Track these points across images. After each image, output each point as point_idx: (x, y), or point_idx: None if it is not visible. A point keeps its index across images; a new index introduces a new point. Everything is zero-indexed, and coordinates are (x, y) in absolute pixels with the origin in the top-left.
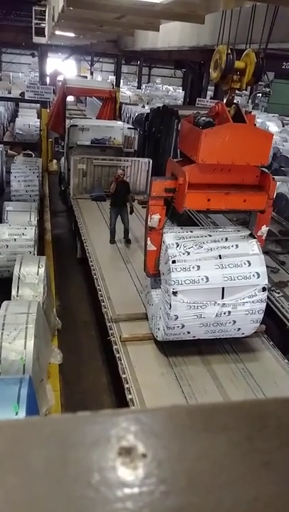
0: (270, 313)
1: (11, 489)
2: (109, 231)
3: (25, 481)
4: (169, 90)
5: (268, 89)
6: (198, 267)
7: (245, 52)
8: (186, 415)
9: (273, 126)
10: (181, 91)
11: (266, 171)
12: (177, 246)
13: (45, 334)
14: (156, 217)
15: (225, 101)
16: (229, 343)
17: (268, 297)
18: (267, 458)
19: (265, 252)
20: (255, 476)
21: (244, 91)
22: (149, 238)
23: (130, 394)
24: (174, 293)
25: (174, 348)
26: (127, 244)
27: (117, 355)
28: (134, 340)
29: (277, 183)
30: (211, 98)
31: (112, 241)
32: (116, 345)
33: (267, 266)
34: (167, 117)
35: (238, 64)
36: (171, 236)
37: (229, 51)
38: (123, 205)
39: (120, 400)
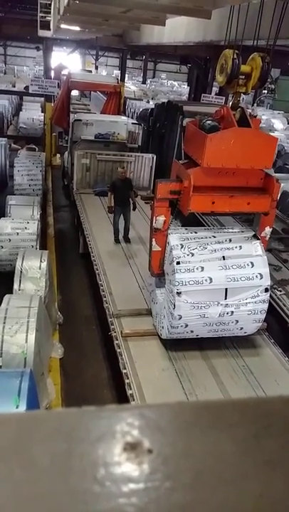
0: (272, 311)
1: (18, 484)
2: (113, 230)
3: (31, 476)
4: (174, 86)
5: (272, 86)
6: (202, 268)
7: (251, 56)
8: (192, 412)
9: (278, 124)
10: (186, 86)
11: (270, 174)
12: (182, 247)
13: (46, 328)
14: (161, 218)
15: (230, 104)
16: (230, 340)
17: (270, 295)
18: (272, 456)
19: (268, 250)
20: (260, 474)
21: None
22: (154, 239)
23: (130, 389)
24: (178, 293)
25: (174, 344)
26: (127, 243)
27: (118, 351)
28: (135, 335)
29: (282, 184)
30: (216, 94)
31: (117, 240)
32: (117, 340)
33: (269, 264)
34: (172, 113)
35: (244, 68)
36: (175, 237)
37: (235, 56)
38: (126, 203)
39: (120, 395)
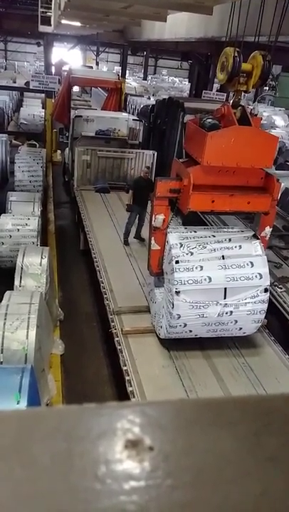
0: (272, 309)
1: (18, 482)
2: (125, 231)
3: (32, 474)
4: (175, 82)
5: (273, 83)
6: (202, 267)
7: (252, 54)
8: (193, 409)
9: (280, 121)
10: (187, 83)
11: (271, 173)
12: (181, 246)
13: (47, 325)
14: (160, 217)
15: (231, 103)
16: (230, 338)
17: (271, 292)
18: (273, 453)
19: (269, 247)
20: (261, 472)
21: None
22: (153, 238)
23: (131, 386)
24: (177, 292)
25: (175, 342)
26: (140, 242)
27: (119, 348)
28: (136, 333)
29: (282, 184)
30: (217, 90)
31: (126, 242)
32: (117, 337)
33: (270, 261)
34: (173, 109)
35: (245, 66)
36: (175, 236)
37: (236, 54)
38: (145, 204)
39: (121, 392)
